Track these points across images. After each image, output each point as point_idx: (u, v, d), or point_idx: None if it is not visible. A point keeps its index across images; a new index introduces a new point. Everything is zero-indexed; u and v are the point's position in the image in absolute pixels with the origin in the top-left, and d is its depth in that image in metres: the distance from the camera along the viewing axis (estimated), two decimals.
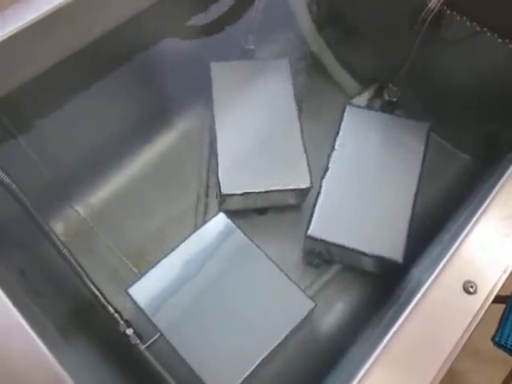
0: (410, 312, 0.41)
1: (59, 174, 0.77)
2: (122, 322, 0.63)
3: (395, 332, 0.40)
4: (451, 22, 0.73)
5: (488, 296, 0.42)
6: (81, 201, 0.80)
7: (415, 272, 0.58)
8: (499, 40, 0.69)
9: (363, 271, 0.75)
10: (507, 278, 0.46)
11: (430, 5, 0.71)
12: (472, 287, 0.42)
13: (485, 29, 0.70)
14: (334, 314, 0.73)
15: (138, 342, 0.63)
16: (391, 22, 0.80)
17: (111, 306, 0.63)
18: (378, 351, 0.40)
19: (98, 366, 0.53)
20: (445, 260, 0.44)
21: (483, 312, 0.42)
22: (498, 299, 0.46)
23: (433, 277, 0.43)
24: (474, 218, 0.49)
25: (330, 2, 0.89)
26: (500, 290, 0.45)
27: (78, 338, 0.54)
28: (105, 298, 0.64)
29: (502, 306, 0.79)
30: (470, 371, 0.99)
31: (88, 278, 0.64)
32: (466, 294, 0.42)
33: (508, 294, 0.82)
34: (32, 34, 0.61)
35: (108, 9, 0.68)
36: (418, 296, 0.42)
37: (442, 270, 0.44)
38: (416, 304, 0.42)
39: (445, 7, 0.72)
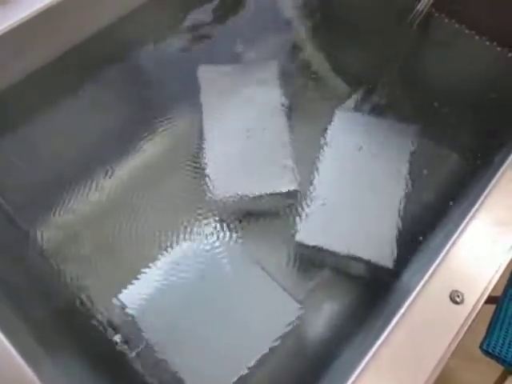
0: (397, 323, 0.41)
1: (44, 178, 0.76)
2: (109, 330, 0.63)
3: (381, 344, 0.40)
4: (440, 24, 0.73)
5: (475, 305, 0.42)
6: (67, 206, 0.79)
7: (404, 278, 0.58)
8: (487, 43, 0.70)
9: (353, 275, 0.75)
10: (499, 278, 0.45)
11: (418, 7, 0.71)
12: (459, 297, 0.42)
13: (473, 31, 0.70)
14: (324, 318, 0.72)
15: (126, 349, 0.62)
16: (380, 24, 0.80)
17: (99, 312, 0.63)
18: (364, 362, 0.40)
19: (80, 378, 0.52)
20: (432, 269, 0.44)
21: (470, 321, 0.41)
22: (488, 300, 0.45)
23: (420, 286, 0.43)
24: (463, 224, 0.48)
25: (320, 5, 0.89)
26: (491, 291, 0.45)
27: (59, 348, 0.52)
28: (92, 305, 0.63)
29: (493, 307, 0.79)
30: (463, 369, 0.99)
31: (74, 284, 0.63)
32: (452, 304, 0.42)
33: (499, 294, 0.81)
34: (18, 36, 0.61)
35: (95, 11, 0.68)
36: (405, 307, 0.41)
37: (429, 279, 0.43)
38: (403, 315, 0.41)
39: (433, 9, 0.72)
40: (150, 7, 0.75)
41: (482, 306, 0.44)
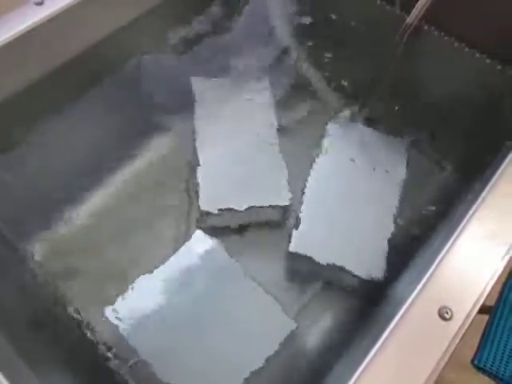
0: (385, 340, 0.40)
1: (36, 194, 0.75)
2: (101, 344, 0.62)
3: (370, 360, 0.40)
4: (429, 37, 0.73)
5: (464, 322, 0.41)
6: (59, 221, 0.78)
7: (395, 292, 0.57)
8: (477, 55, 0.70)
9: (345, 287, 0.74)
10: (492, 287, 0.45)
11: (408, 20, 0.71)
12: (447, 313, 0.42)
13: (463, 44, 0.71)
14: (317, 332, 0.72)
15: (119, 364, 0.62)
16: (371, 37, 0.80)
17: (90, 326, 0.62)
18: (354, 377, 0.40)
19: None
20: (421, 284, 0.43)
21: (460, 337, 0.41)
22: (481, 309, 0.45)
23: (408, 302, 0.42)
24: (453, 238, 0.48)
25: (312, 20, 0.89)
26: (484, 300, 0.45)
27: (49, 367, 0.52)
28: (84, 319, 0.62)
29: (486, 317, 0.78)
30: (457, 381, 0.98)
31: (65, 298, 0.63)
32: (441, 321, 0.41)
33: (492, 304, 0.80)
34: (11, 50, 0.61)
35: (86, 26, 0.68)
36: (394, 323, 0.41)
37: (417, 295, 0.43)
38: (391, 331, 0.41)
39: (423, 22, 0.72)
40: (143, 21, 0.75)
41: (474, 316, 0.43)
